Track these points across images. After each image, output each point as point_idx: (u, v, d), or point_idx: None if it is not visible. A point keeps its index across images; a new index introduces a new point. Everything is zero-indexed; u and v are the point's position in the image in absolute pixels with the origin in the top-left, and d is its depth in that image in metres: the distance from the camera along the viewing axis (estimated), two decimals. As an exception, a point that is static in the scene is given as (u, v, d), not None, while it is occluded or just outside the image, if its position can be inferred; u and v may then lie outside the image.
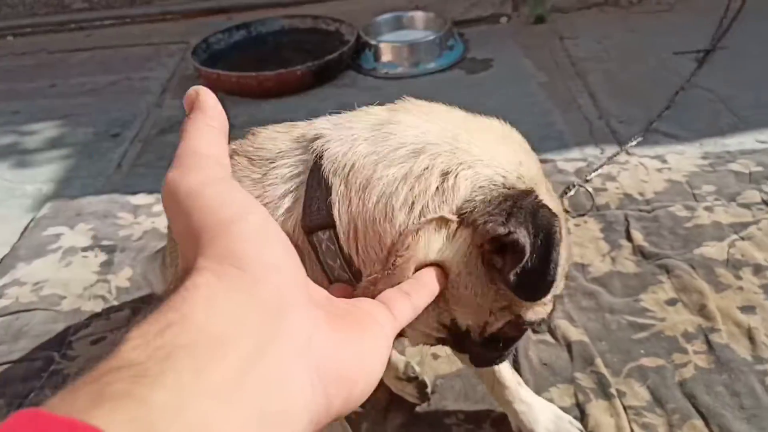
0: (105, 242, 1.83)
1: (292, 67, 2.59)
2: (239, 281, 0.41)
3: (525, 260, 0.71)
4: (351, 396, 0.45)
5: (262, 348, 0.39)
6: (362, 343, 0.48)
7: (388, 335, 0.53)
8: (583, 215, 1.79)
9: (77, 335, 1.54)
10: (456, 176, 0.75)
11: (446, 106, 0.86)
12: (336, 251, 0.76)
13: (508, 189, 0.75)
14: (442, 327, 0.85)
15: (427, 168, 0.75)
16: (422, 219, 0.74)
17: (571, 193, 1.81)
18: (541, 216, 0.73)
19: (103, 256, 1.78)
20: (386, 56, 2.81)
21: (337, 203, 0.76)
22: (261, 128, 0.89)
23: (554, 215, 0.75)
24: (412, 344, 1.25)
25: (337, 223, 0.76)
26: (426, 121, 0.80)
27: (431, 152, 0.76)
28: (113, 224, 1.91)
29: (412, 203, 0.74)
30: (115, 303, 1.62)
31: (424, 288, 0.69)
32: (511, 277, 0.72)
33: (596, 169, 1.93)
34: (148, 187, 2.10)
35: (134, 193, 2.05)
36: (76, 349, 1.51)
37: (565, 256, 0.83)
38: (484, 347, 0.87)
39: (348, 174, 0.76)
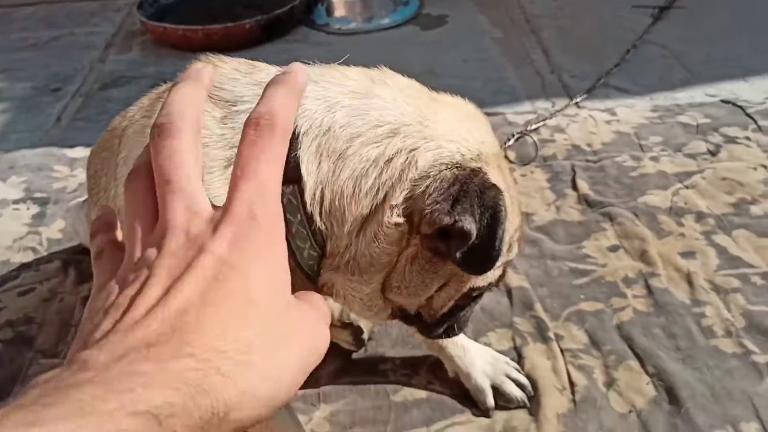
0: (38, 195, 1.77)
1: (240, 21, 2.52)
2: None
3: (471, 241, 0.75)
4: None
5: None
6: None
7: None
8: (527, 164, 1.77)
9: (4, 287, 1.48)
10: (419, 152, 0.77)
11: (418, 84, 0.87)
12: (298, 206, 0.76)
13: (461, 169, 0.77)
14: (392, 315, 0.92)
15: (399, 152, 0.77)
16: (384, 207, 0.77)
17: (511, 142, 1.78)
18: (487, 196, 0.76)
19: (35, 209, 1.72)
20: (339, 11, 2.75)
21: (306, 161, 0.76)
22: (219, 61, 0.87)
23: (500, 192, 0.77)
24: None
25: (304, 178, 0.76)
26: (404, 101, 0.81)
27: (404, 134, 0.78)
28: (48, 177, 1.84)
29: (377, 190, 0.77)
30: (45, 254, 1.56)
31: None
32: (458, 255, 0.76)
33: (542, 120, 1.90)
34: (87, 140, 2.02)
35: (72, 146, 1.98)
36: (3, 300, 1.45)
37: (515, 225, 0.87)
38: (438, 324, 0.93)
39: (322, 138, 0.76)
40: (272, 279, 0.45)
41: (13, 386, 1.24)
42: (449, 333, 0.98)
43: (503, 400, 1.19)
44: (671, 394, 1.17)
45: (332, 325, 1.28)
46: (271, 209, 0.46)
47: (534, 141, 1.79)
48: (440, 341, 1.18)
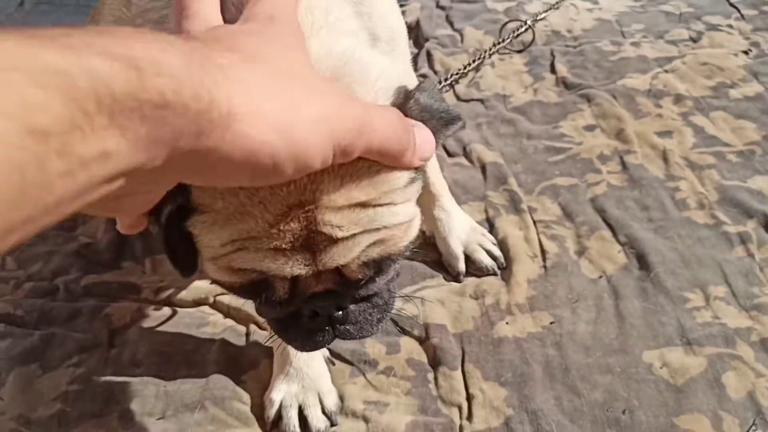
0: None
1: None
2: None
3: None
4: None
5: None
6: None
7: None
8: (522, 51, 1.73)
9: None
10: None
11: None
12: None
13: None
14: None
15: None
16: None
17: (522, 30, 1.72)
18: None
19: None
20: None
21: None
22: None
23: None
24: None
25: None
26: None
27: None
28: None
29: None
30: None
31: None
32: None
33: (547, 10, 1.84)
34: (52, 24, 1.94)
35: (34, 27, 1.90)
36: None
37: None
38: None
39: None
40: (296, 58, 0.49)
41: None
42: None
43: (474, 268, 1.18)
44: (642, 261, 1.17)
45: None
46: (288, 12, 0.52)
47: (533, 29, 1.74)
48: (426, 203, 1.17)
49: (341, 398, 1.01)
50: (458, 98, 1.62)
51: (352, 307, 0.66)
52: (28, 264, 1.26)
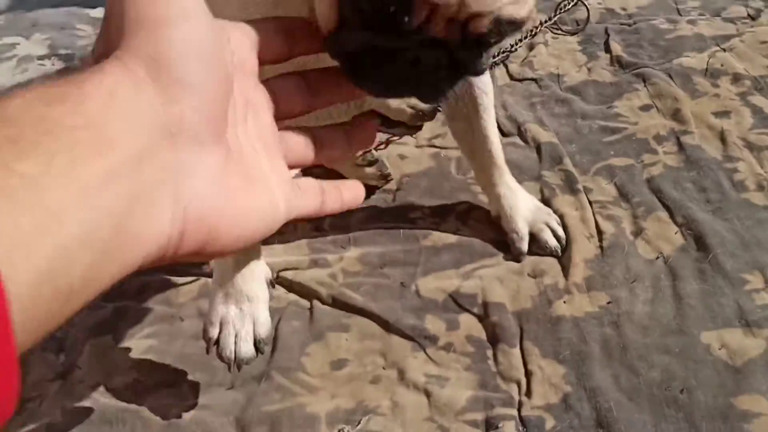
0: (62, 51, 1.75)
1: None
2: (147, 89, 0.37)
3: None
4: (206, 248, 0.41)
5: (140, 163, 0.36)
6: (245, 203, 0.43)
7: (278, 217, 0.46)
8: (575, 33, 1.72)
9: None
10: None
11: None
12: None
13: None
14: None
15: None
16: None
17: (569, 7, 1.71)
18: None
19: (60, 64, 1.71)
20: None
21: None
22: None
23: None
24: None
25: None
26: None
27: None
28: (71, 35, 1.82)
29: None
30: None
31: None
32: None
33: None
34: (109, 2, 1.99)
35: (93, 6, 1.95)
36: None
37: None
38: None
39: None
40: None
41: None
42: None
43: (537, 248, 1.19)
44: (700, 242, 1.18)
45: (356, 166, 1.29)
46: None
47: (586, 6, 1.73)
48: (494, 178, 1.19)
49: (401, 372, 1.04)
50: (511, 77, 1.62)
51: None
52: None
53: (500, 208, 1.20)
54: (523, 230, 1.19)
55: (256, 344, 1.01)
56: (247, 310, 1.01)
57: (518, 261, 1.19)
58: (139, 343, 1.11)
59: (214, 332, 1.00)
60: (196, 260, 0.42)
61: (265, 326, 1.02)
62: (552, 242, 1.19)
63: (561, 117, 1.48)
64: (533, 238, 1.19)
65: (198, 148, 0.39)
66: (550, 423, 0.96)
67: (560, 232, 1.21)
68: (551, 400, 0.99)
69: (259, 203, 0.44)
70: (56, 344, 1.11)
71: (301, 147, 0.51)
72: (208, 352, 1.01)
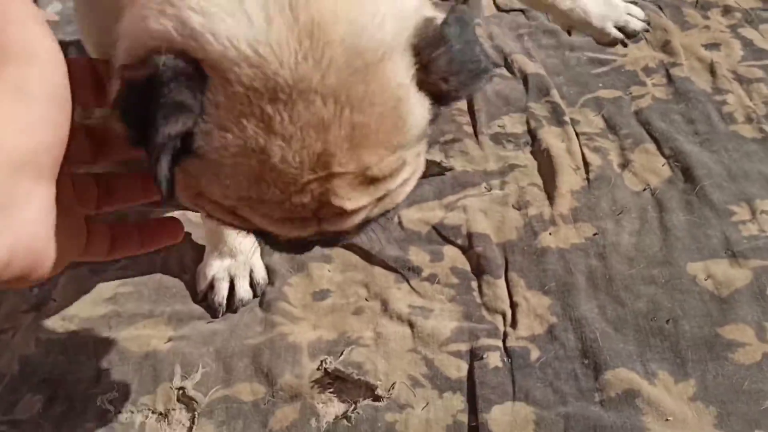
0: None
1: None
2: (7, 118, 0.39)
3: None
4: (31, 275, 0.43)
5: None
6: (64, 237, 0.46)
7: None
8: None
9: None
10: None
11: None
12: None
13: None
14: None
15: None
16: None
17: None
18: None
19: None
20: None
21: None
22: None
23: None
24: None
25: None
26: None
27: None
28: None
29: None
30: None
31: None
32: None
33: None
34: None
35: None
36: None
37: None
38: None
39: None
40: None
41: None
42: None
43: (625, 36, 1.15)
44: (687, 174, 1.16)
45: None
46: None
47: None
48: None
49: (385, 303, 1.02)
50: (498, 8, 1.57)
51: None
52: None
53: (571, 21, 1.13)
54: (608, 27, 1.13)
55: (253, 288, 1.05)
56: (243, 260, 1.05)
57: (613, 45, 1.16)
58: (115, 275, 1.08)
59: (203, 284, 1.05)
60: (17, 286, 0.42)
61: (261, 271, 1.06)
62: (639, 26, 1.14)
63: (548, 48, 1.45)
64: (621, 30, 1.14)
65: (36, 183, 0.41)
66: (535, 354, 0.95)
67: (641, 14, 1.16)
68: (536, 331, 0.98)
69: (71, 237, 0.49)
70: (29, 276, 1.08)
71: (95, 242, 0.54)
72: (199, 301, 1.04)
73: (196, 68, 0.45)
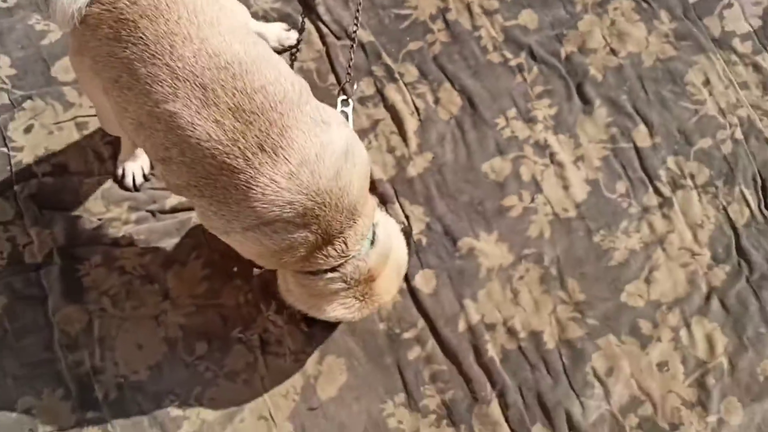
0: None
1: None
2: None
3: None
4: None
5: None
6: None
7: None
8: None
9: None
10: None
11: None
12: None
13: None
14: None
15: None
16: None
17: None
18: None
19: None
20: None
21: None
22: None
23: None
24: None
25: None
26: None
27: None
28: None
29: None
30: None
31: None
32: None
33: None
34: None
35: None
36: None
37: None
38: None
39: None
40: None
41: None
42: None
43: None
44: (471, 102, 2.07)
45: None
46: None
47: None
48: None
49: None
50: (321, -27, 2.21)
51: None
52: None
53: None
54: None
55: (144, 176, 1.97)
56: (139, 160, 1.95)
57: None
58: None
59: (119, 173, 1.98)
60: None
61: (148, 165, 1.97)
62: None
63: (368, 10, 2.16)
64: None
65: None
66: (421, 239, 1.97)
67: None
68: (420, 228, 1.98)
69: None
70: None
71: None
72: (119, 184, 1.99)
73: None
